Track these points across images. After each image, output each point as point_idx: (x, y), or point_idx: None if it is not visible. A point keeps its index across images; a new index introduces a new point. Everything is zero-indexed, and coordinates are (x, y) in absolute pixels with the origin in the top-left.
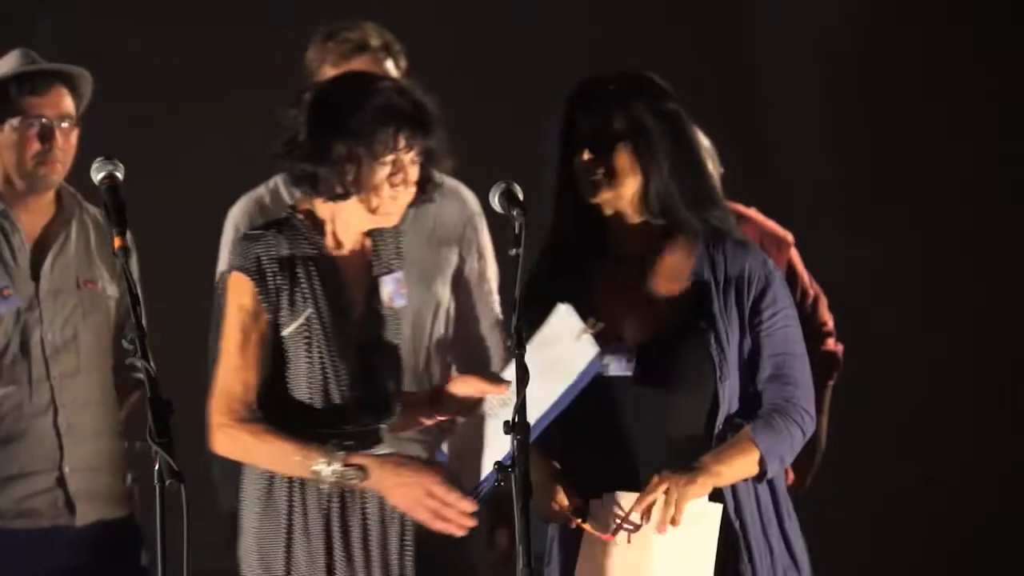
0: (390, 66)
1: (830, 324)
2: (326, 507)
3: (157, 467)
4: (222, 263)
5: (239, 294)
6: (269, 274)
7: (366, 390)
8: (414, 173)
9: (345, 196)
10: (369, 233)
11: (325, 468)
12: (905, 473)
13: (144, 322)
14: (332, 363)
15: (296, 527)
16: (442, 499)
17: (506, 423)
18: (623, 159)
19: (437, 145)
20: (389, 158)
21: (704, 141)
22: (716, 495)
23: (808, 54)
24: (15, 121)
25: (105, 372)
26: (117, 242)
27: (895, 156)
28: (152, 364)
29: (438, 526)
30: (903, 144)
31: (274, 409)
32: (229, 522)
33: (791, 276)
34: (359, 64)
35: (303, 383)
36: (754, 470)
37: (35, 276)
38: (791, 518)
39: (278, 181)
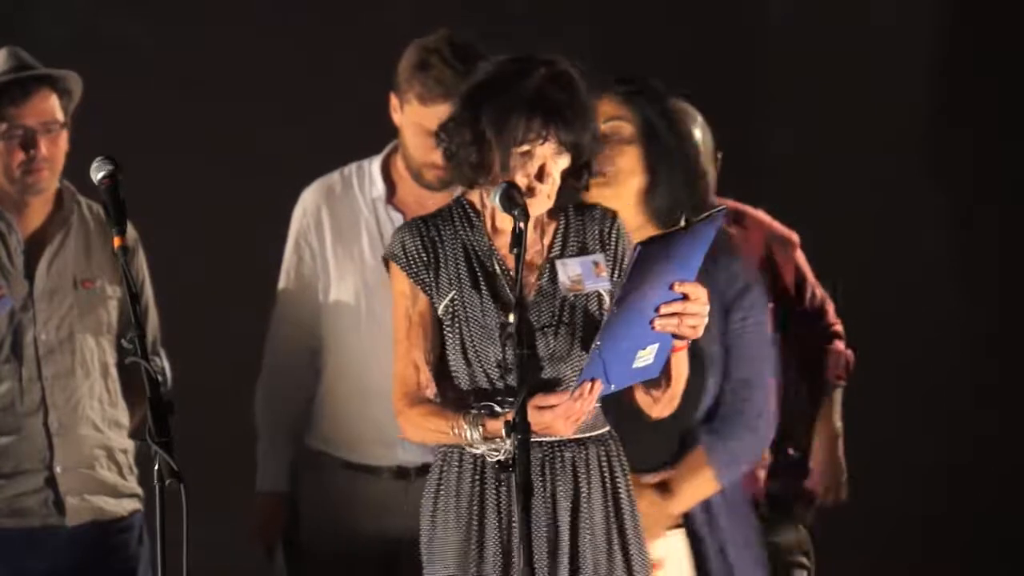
0: None
1: (838, 326)
2: (468, 488)
3: (157, 467)
4: (290, 246)
5: (396, 280)
6: (415, 256)
7: (525, 375)
8: (557, 165)
9: (474, 181)
10: (561, 217)
11: (473, 435)
12: (906, 473)
13: (154, 320)
14: (473, 346)
15: (440, 501)
16: (577, 411)
17: (507, 423)
18: (629, 159)
19: (584, 137)
20: (522, 148)
21: (698, 134)
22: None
23: (809, 52)
24: None
25: (103, 372)
26: (117, 242)
27: (903, 153)
28: (160, 363)
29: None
30: (913, 140)
31: (441, 389)
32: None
33: (798, 278)
34: (447, 110)
35: (450, 363)
36: (713, 487)
37: (30, 276)
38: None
39: (353, 171)
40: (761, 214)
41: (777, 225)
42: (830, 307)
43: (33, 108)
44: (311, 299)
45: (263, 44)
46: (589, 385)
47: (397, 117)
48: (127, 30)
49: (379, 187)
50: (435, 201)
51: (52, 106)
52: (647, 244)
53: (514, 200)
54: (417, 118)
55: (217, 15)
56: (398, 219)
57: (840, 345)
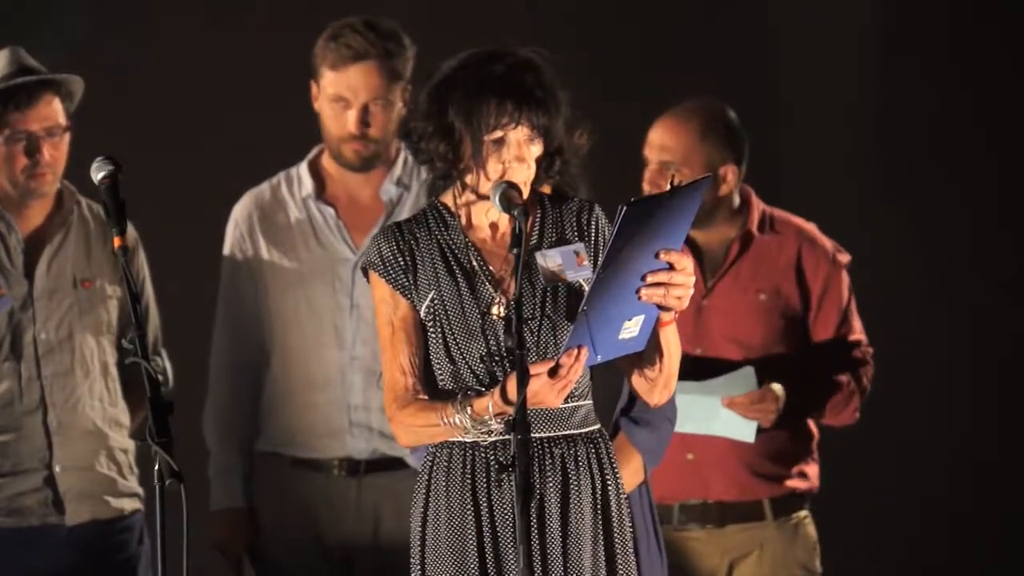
0: (389, 72)
1: (864, 347)
2: (458, 488)
3: (157, 467)
4: (225, 263)
5: (376, 289)
6: (392, 261)
7: (524, 374)
8: (531, 151)
9: (449, 174)
10: (538, 209)
11: (462, 420)
12: (911, 477)
13: (155, 320)
14: (456, 343)
15: (431, 498)
16: (565, 379)
17: (508, 422)
18: None
19: (556, 122)
20: (495, 135)
21: None
22: None
23: (811, 50)
24: (1, 137)
25: (103, 372)
26: (117, 242)
27: (908, 154)
28: (161, 363)
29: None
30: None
31: (432, 393)
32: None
33: (826, 297)
34: (356, 72)
35: (434, 363)
36: (640, 476)
37: (29, 275)
38: None
39: (281, 178)
40: (800, 221)
41: (820, 237)
42: (864, 352)
43: (37, 114)
44: (250, 311)
45: (265, 45)
46: (575, 352)
47: (318, 104)
48: (127, 29)
49: (308, 186)
50: (369, 185)
51: (55, 111)
52: (632, 205)
53: (513, 200)
54: (332, 87)
55: (220, 16)
56: (329, 213)
57: (851, 388)
